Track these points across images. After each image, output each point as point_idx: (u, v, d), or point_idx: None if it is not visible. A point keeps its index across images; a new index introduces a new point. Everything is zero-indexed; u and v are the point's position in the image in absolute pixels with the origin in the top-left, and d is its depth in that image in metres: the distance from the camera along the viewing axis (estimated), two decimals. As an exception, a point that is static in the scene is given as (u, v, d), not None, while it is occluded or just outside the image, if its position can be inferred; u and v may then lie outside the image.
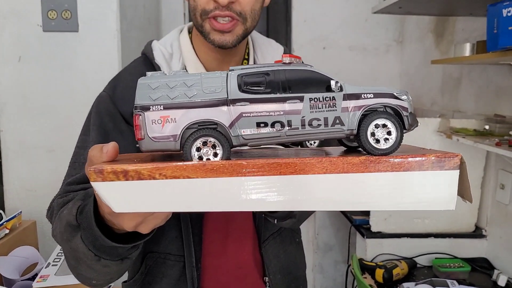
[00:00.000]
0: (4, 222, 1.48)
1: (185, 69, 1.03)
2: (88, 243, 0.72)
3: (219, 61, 1.03)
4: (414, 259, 1.92)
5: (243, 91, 0.56)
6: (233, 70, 0.58)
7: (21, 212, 1.59)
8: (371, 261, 1.90)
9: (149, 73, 0.59)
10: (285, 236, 1.14)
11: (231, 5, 0.91)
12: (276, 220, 0.96)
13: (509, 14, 1.24)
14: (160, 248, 1.02)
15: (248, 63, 1.07)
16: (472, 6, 1.69)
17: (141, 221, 0.65)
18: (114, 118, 0.96)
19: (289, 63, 0.59)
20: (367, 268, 1.83)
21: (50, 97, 1.87)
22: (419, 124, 0.62)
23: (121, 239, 0.72)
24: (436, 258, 1.89)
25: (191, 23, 1.05)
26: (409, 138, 1.86)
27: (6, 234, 1.49)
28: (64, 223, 0.76)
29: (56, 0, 1.80)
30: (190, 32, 1.07)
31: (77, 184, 0.90)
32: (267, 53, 1.08)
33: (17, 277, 1.43)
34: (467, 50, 1.62)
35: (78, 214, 0.74)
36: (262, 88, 0.57)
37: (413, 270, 1.85)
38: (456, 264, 1.78)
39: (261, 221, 1.07)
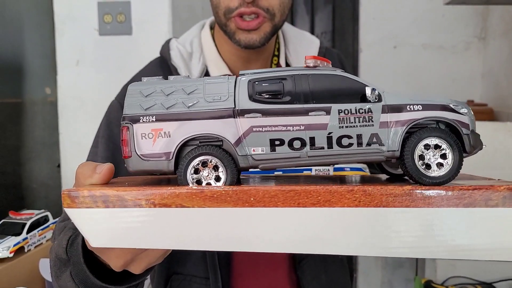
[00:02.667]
0: (50, 224, 1.49)
1: (207, 70, 0.94)
2: (78, 281, 0.61)
3: (244, 60, 0.93)
4: (493, 284, 1.67)
5: (254, 100, 0.44)
6: (243, 74, 0.47)
7: (69, 214, 1.61)
8: (441, 284, 1.69)
9: (144, 78, 0.50)
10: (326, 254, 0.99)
11: (257, 0, 0.83)
12: None
13: None
14: (185, 269, 0.92)
15: (278, 60, 0.96)
16: None
17: (131, 259, 0.54)
18: None
19: (314, 66, 0.47)
20: (435, 292, 1.62)
21: (105, 99, 1.87)
22: (484, 146, 0.48)
23: (116, 277, 0.61)
24: (521, 284, 1.64)
25: (212, 17, 0.97)
26: (489, 148, 1.62)
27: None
28: (53, 256, 0.67)
29: (111, 5, 1.83)
30: (212, 28, 0.98)
31: None
32: (300, 47, 0.96)
33: (61, 280, 1.43)
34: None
35: (68, 246, 0.64)
36: (278, 97, 0.44)
37: (491, 298, 1.62)
38: (545, 294, 1.52)
39: None
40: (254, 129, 0.44)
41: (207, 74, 0.94)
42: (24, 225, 1.39)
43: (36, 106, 2.21)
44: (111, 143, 0.90)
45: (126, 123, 0.47)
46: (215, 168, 0.45)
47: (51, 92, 2.17)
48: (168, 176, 0.56)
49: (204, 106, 0.45)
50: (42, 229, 1.45)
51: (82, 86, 1.89)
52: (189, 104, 0.45)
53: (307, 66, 0.47)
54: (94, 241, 0.48)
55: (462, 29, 2.54)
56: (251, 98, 0.45)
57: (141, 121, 0.46)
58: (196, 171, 0.45)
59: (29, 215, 1.44)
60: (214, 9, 0.88)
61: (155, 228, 0.46)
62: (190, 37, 0.98)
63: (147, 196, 0.45)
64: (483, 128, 1.66)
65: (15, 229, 1.38)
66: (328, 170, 0.59)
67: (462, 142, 0.46)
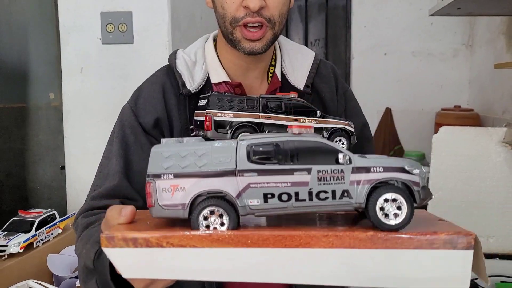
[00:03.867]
0: (57, 222, 1.59)
1: (208, 77, 1.03)
2: None
3: (243, 68, 1.01)
4: (475, 281, 1.75)
5: (251, 162, 0.57)
6: (243, 140, 0.59)
7: (74, 213, 1.69)
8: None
9: (163, 140, 0.61)
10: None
11: (261, 10, 0.90)
12: None
13: None
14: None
15: (274, 70, 1.05)
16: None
17: (151, 282, 0.66)
18: (135, 131, 0.98)
19: (299, 133, 0.60)
20: None
21: (108, 105, 1.97)
22: (433, 196, 0.60)
23: None
24: (501, 282, 1.72)
25: (216, 31, 1.05)
26: (471, 152, 1.69)
27: (59, 234, 1.60)
28: (82, 264, 0.79)
29: (113, 14, 1.91)
30: (214, 40, 1.07)
31: (100, 198, 0.92)
32: (295, 59, 1.04)
33: (67, 275, 1.52)
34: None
35: (96, 258, 0.75)
36: (270, 159, 0.57)
37: (473, 293, 1.70)
38: (523, 290, 1.61)
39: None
40: (251, 185, 0.57)
41: (208, 80, 1.00)
42: (33, 222, 1.48)
43: (40, 111, 2.30)
44: (124, 143, 0.98)
45: (150, 179, 0.59)
46: (220, 215, 0.57)
47: (55, 97, 2.27)
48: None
49: (212, 166, 0.58)
50: (49, 227, 1.55)
51: (86, 92, 1.97)
52: (200, 165, 0.58)
53: (293, 133, 0.60)
54: (126, 273, 0.60)
55: (450, 37, 2.63)
56: (249, 159, 0.57)
57: (162, 178, 0.58)
58: (205, 218, 0.58)
59: (37, 214, 1.54)
60: (221, 19, 0.93)
61: (173, 263, 0.59)
62: (195, 49, 1.06)
63: (167, 238, 0.58)
64: (465, 133, 1.77)
65: (25, 227, 1.47)
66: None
67: (414, 197, 0.58)
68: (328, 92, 1.03)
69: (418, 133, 2.62)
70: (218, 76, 1.01)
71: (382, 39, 2.67)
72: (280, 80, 1.02)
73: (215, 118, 0.80)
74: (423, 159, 2.46)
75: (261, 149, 0.57)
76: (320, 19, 2.80)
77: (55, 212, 1.59)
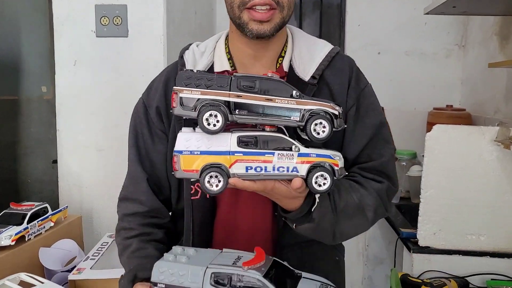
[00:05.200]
0: (49, 216, 1.57)
1: (212, 65, 1.04)
2: None
3: (251, 57, 1.03)
4: (466, 278, 1.77)
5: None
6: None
7: (67, 206, 1.68)
8: (417, 278, 1.79)
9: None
10: (317, 249, 1.09)
11: None
12: (294, 224, 0.95)
13: None
14: None
15: (282, 61, 1.05)
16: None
17: None
18: (149, 126, 1.06)
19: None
20: (412, 285, 1.71)
21: (101, 99, 1.96)
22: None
23: None
24: (492, 280, 1.74)
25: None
26: (464, 150, 1.69)
27: (51, 227, 1.58)
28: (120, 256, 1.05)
29: (108, 7, 1.89)
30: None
31: (133, 215, 1.06)
32: (307, 52, 1.04)
33: (58, 268, 1.51)
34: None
35: (123, 277, 0.99)
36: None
37: (464, 291, 1.71)
38: (513, 287, 1.62)
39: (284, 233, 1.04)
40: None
41: (211, 68, 1.04)
42: (25, 215, 1.46)
43: (32, 103, 2.28)
44: (137, 148, 1.08)
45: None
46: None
47: (47, 90, 2.25)
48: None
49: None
50: (41, 220, 1.53)
51: (79, 85, 1.95)
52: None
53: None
54: None
55: (443, 37, 2.64)
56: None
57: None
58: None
59: (29, 206, 1.52)
60: (229, 4, 0.96)
61: None
62: (207, 42, 1.09)
63: None
64: (458, 132, 1.78)
65: (16, 219, 1.45)
66: (292, 155, 0.85)
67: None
68: (338, 85, 1.03)
69: (410, 132, 2.62)
70: (221, 65, 1.04)
71: (376, 38, 2.67)
72: (286, 71, 1.03)
73: (182, 95, 0.84)
74: (414, 158, 2.47)
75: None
76: (314, 17, 2.80)
77: (47, 205, 1.58)
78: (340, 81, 1.03)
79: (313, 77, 1.00)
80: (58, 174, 2.01)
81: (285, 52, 1.05)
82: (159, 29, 1.90)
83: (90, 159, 1.98)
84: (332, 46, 1.06)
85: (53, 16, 1.94)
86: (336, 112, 0.87)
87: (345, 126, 0.91)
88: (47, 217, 1.56)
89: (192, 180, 1.00)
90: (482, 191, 1.74)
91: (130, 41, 1.91)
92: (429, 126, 2.15)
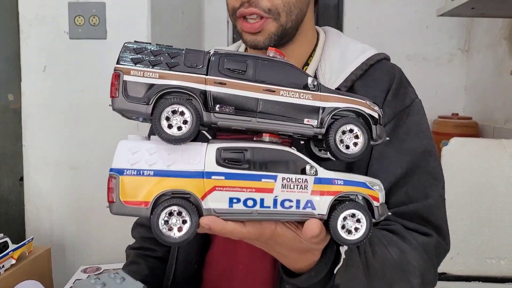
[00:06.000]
0: (10, 252, 1.31)
1: None
2: None
3: None
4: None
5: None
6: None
7: (32, 238, 1.42)
8: None
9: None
10: None
11: (257, 1, 0.79)
12: None
13: None
14: None
15: (306, 70, 0.86)
16: None
17: None
18: None
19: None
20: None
21: (75, 109, 1.72)
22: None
23: None
24: (514, 308, 1.57)
25: None
26: (483, 163, 1.50)
27: (12, 265, 1.32)
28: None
29: (83, 5, 1.67)
30: None
31: (141, 226, 1.03)
32: (337, 60, 0.85)
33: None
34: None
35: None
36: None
37: (487, 322, 1.54)
38: (543, 320, 1.45)
39: None
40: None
41: None
42: (-22, 253, 1.20)
43: (-4, 113, 2.02)
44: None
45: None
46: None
47: (14, 98, 1.99)
48: None
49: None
50: (0, 258, 1.27)
51: (50, 93, 1.71)
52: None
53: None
54: None
55: (446, 41, 2.51)
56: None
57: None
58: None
59: (-16, 242, 1.26)
60: (228, 10, 0.86)
61: None
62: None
63: None
64: (477, 145, 1.61)
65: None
66: (305, 181, 0.57)
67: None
68: (371, 97, 0.83)
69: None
70: None
71: (375, 42, 2.48)
72: None
73: (127, 78, 0.55)
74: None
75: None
76: (308, 19, 2.63)
77: (7, 239, 1.31)
78: (374, 94, 0.83)
79: (338, 89, 0.81)
80: (24, 195, 1.76)
81: (312, 59, 0.88)
82: (142, 30, 1.68)
83: (62, 179, 1.74)
84: (374, 53, 0.87)
85: (19, 15, 1.70)
86: (375, 115, 0.60)
87: (387, 138, 0.63)
88: (7, 253, 1.30)
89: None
90: (504, 210, 1.59)
91: (109, 44, 1.69)
92: (435, 135, 2.00)
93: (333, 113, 0.57)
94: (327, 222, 0.57)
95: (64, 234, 1.71)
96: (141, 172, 0.55)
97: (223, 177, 0.55)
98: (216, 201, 0.54)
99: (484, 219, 1.61)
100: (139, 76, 0.55)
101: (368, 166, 0.81)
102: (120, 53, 0.58)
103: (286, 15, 0.80)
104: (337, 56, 0.85)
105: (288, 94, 0.56)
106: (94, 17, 1.67)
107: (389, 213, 0.60)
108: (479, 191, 1.61)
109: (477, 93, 2.42)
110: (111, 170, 0.55)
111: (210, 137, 0.70)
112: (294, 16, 0.81)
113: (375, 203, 0.58)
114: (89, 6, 1.67)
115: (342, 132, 0.57)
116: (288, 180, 0.56)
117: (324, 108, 0.57)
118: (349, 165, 0.76)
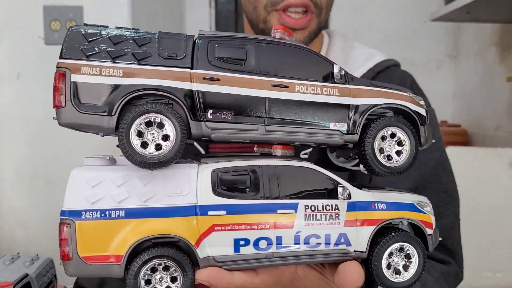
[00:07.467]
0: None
1: None
2: None
3: None
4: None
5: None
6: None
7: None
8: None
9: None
10: None
11: None
12: None
13: None
14: None
15: None
16: None
17: None
18: None
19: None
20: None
21: (50, 119, 1.61)
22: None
23: None
24: (511, 321, 1.53)
25: None
26: (479, 173, 1.45)
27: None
28: None
29: (60, 9, 1.59)
30: None
31: None
32: (345, 65, 0.79)
33: None
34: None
35: None
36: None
37: (486, 339, 1.50)
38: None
39: None
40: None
41: None
42: None
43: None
44: None
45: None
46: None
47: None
48: None
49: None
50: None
51: (23, 103, 1.63)
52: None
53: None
54: None
55: (434, 47, 2.48)
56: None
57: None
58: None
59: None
60: (252, 3, 0.75)
61: None
62: None
63: None
64: (472, 154, 1.57)
65: None
66: (336, 208, 0.44)
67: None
68: None
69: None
70: None
71: (363, 48, 2.47)
72: None
73: (76, 78, 0.42)
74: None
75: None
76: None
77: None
78: None
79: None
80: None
81: None
82: (123, 35, 1.59)
83: (38, 193, 1.65)
84: (383, 59, 0.81)
85: (-10, 18, 1.60)
86: (422, 111, 0.48)
87: (433, 141, 0.51)
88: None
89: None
90: (500, 222, 1.55)
91: (87, 50, 1.59)
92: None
93: (368, 112, 0.44)
94: (368, 261, 0.44)
95: (39, 252, 1.61)
96: (107, 213, 0.41)
97: (224, 212, 0.40)
98: (216, 246, 0.40)
99: (480, 232, 1.57)
100: (94, 74, 0.42)
101: (371, 178, 0.75)
102: (64, 42, 0.42)
103: (326, 13, 0.77)
104: (341, 62, 0.79)
105: (306, 89, 0.42)
106: (71, 22, 1.60)
107: (440, 239, 0.49)
108: (477, 203, 1.56)
109: (466, 100, 2.39)
110: (62, 213, 0.41)
111: (201, 150, 0.58)
112: (328, 15, 0.79)
113: (428, 231, 0.46)
114: (66, 10, 1.59)
115: (381, 137, 0.45)
116: (313, 208, 0.42)
117: (356, 107, 0.44)
118: (352, 173, 0.66)
